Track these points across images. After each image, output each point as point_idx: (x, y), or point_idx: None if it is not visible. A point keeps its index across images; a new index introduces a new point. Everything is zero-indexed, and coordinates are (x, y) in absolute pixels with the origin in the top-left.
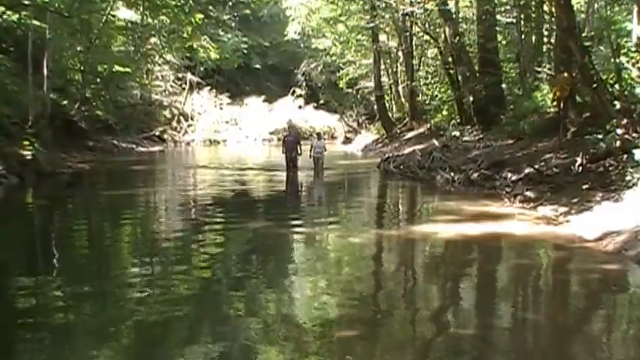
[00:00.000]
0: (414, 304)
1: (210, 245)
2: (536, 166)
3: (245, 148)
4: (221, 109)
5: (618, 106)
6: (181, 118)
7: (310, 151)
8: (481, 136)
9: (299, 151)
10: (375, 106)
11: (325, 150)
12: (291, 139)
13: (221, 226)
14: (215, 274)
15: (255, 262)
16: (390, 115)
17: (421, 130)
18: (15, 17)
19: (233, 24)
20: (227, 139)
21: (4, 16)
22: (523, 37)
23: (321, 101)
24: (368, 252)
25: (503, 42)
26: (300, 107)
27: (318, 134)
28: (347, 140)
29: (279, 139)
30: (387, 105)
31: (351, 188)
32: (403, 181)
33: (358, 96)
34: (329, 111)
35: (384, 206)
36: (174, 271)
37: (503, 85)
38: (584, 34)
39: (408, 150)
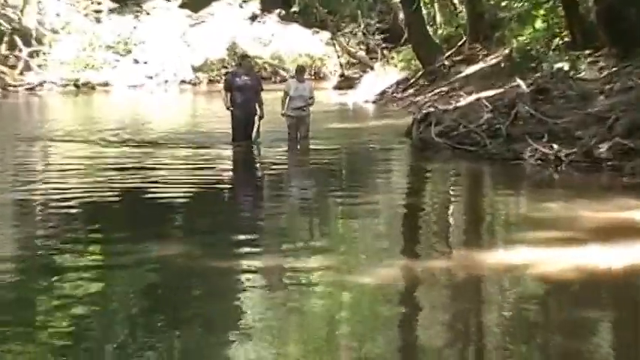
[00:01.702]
0: None
1: (72, 299)
2: None
3: (147, 98)
4: (98, 22)
5: None
6: (17, 40)
7: (284, 104)
8: (614, 69)
9: (259, 108)
10: (401, 16)
11: (312, 100)
12: (245, 83)
13: (97, 257)
14: None
15: (160, 334)
16: (431, 32)
17: (492, 60)
18: None
19: None
20: (111, 81)
21: None
22: None
23: (294, 9)
24: (388, 309)
25: None
26: (253, 19)
27: (300, 69)
28: (345, 82)
29: (214, 81)
30: (424, 13)
31: (357, 176)
32: (456, 162)
33: None
34: (308, 26)
35: (419, 212)
36: None
37: None
38: None
39: (465, 101)
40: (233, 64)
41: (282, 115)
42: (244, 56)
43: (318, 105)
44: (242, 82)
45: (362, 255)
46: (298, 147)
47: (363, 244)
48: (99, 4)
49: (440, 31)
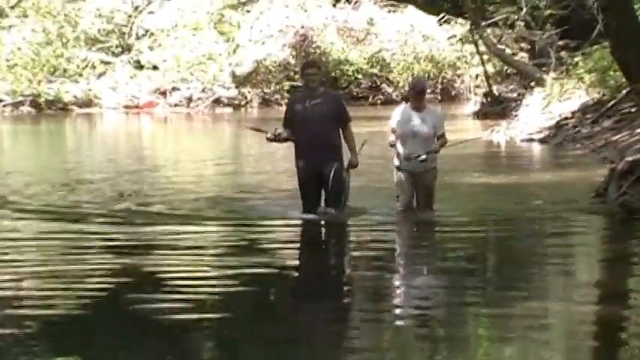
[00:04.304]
0: None
1: None
2: None
3: (157, 129)
4: None
5: None
6: None
7: (395, 146)
8: None
9: (349, 150)
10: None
11: (442, 142)
12: (312, 111)
13: None
14: None
15: None
16: None
17: None
18: None
19: None
20: (97, 98)
21: None
22: None
23: None
24: None
25: None
26: None
27: (416, 87)
28: (493, 106)
29: (271, 102)
30: None
31: (512, 271)
32: None
33: None
34: (433, 11)
35: (621, 335)
36: None
37: None
38: None
39: None
40: (304, 76)
41: (398, 168)
42: (309, 65)
43: (447, 147)
44: (306, 110)
45: None
46: (415, 227)
47: None
48: None
49: None
